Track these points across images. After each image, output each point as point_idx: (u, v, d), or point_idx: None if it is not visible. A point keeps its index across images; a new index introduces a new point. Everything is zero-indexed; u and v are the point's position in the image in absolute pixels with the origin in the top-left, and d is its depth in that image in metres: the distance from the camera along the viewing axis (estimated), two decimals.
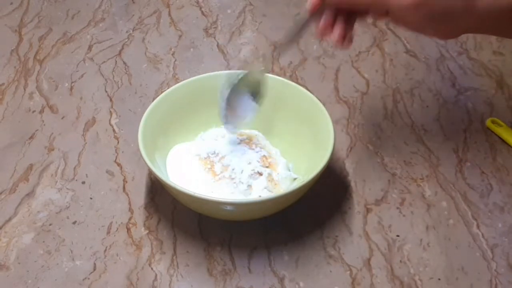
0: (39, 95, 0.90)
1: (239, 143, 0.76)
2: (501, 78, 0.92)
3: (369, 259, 0.68)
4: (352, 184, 0.77)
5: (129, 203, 0.74)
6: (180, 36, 1.01)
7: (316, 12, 0.67)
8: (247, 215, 0.70)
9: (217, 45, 0.99)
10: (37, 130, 0.84)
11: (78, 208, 0.74)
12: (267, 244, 0.70)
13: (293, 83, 0.79)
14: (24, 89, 0.90)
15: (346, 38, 0.67)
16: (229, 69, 0.93)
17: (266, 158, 0.74)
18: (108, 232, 0.71)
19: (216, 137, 0.77)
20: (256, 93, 0.73)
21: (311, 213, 0.73)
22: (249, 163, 0.73)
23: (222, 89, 0.72)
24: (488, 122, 0.84)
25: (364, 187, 0.76)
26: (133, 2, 1.08)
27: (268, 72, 0.74)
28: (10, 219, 0.73)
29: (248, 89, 0.73)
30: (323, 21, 0.66)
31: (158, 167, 0.71)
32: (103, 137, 0.83)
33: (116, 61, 0.96)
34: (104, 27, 1.03)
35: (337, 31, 0.66)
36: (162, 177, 0.67)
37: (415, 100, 0.89)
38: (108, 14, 1.05)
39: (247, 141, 0.76)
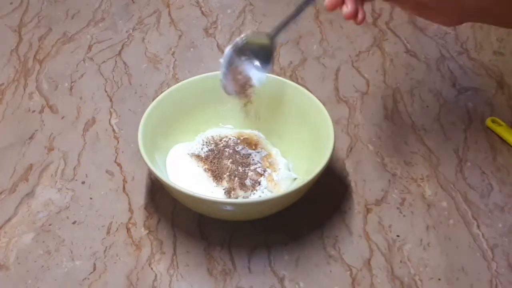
0: (39, 95, 0.90)
1: (239, 143, 0.76)
2: (501, 78, 0.92)
3: (369, 259, 0.68)
4: (352, 184, 0.77)
5: (129, 203, 0.74)
6: (180, 36, 1.01)
7: None
8: (247, 215, 0.70)
9: (217, 45, 0.99)
10: (37, 130, 0.84)
11: (78, 208, 0.74)
12: (267, 244, 0.70)
13: (293, 83, 0.79)
14: (24, 89, 0.90)
15: (358, 12, 0.65)
16: None
17: (266, 158, 0.74)
18: (108, 232, 0.71)
19: (216, 137, 0.77)
20: (265, 59, 0.71)
21: (311, 213, 0.73)
22: (249, 163, 0.73)
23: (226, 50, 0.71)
24: (488, 122, 0.84)
25: (364, 187, 0.76)
26: (133, 2, 1.08)
27: (274, 36, 0.71)
28: (10, 219, 0.73)
29: (255, 56, 0.71)
30: None
31: (158, 167, 0.71)
32: (103, 137, 0.83)
33: (116, 61, 0.96)
34: (104, 27, 1.02)
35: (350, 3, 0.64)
36: (162, 177, 0.67)
37: (415, 100, 0.88)
38: (108, 14, 1.05)
39: (247, 141, 0.76)
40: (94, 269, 0.67)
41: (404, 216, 0.73)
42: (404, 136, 0.83)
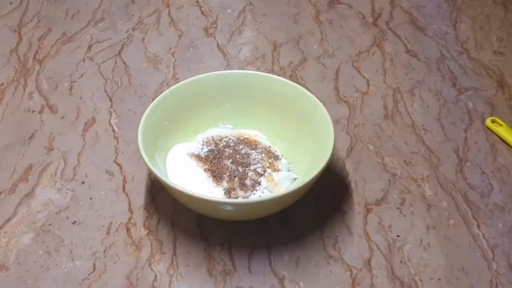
0: (38, 95, 0.89)
1: (239, 143, 0.76)
2: (501, 78, 0.92)
3: (369, 259, 0.68)
4: (352, 184, 0.76)
5: (129, 203, 0.74)
6: (180, 36, 1.01)
7: None
8: (247, 215, 0.70)
9: (217, 45, 0.99)
10: (36, 130, 0.84)
11: (78, 208, 0.74)
12: (267, 244, 0.70)
13: (293, 83, 0.79)
14: (24, 89, 0.90)
15: None
16: (229, 69, 0.93)
17: (266, 158, 0.74)
18: (108, 232, 0.71)
19: (216, 137, 0.77)
20: None
21: (311, 213, 0.73)
22: (249, 163, 0.73)
23: None
24: (488, 122, 0.84)
25: (364, 187, 0.76)
26: (133, 2, 1.08)
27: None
28: (9, 219, 0.72)
29: None
30: None
31: (158, 167, 0.71)
32: (103, 137, 0.83)
33: (115, 61, 0.95)
34: (104, 27, 1.02)
35: None
36: (162, 177, 0.67)
37: (415, 100, 0.88)
38: (108, 14, 1.05)
39: (247, 141, 0.76)
40: (94, 269, 0.67)
41: (404, 216, 0.73)
42: (404, 136, 0.83)
